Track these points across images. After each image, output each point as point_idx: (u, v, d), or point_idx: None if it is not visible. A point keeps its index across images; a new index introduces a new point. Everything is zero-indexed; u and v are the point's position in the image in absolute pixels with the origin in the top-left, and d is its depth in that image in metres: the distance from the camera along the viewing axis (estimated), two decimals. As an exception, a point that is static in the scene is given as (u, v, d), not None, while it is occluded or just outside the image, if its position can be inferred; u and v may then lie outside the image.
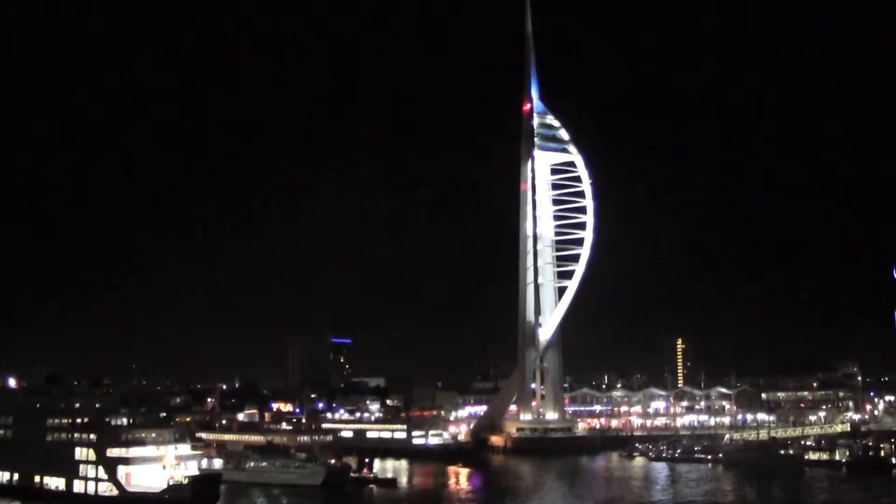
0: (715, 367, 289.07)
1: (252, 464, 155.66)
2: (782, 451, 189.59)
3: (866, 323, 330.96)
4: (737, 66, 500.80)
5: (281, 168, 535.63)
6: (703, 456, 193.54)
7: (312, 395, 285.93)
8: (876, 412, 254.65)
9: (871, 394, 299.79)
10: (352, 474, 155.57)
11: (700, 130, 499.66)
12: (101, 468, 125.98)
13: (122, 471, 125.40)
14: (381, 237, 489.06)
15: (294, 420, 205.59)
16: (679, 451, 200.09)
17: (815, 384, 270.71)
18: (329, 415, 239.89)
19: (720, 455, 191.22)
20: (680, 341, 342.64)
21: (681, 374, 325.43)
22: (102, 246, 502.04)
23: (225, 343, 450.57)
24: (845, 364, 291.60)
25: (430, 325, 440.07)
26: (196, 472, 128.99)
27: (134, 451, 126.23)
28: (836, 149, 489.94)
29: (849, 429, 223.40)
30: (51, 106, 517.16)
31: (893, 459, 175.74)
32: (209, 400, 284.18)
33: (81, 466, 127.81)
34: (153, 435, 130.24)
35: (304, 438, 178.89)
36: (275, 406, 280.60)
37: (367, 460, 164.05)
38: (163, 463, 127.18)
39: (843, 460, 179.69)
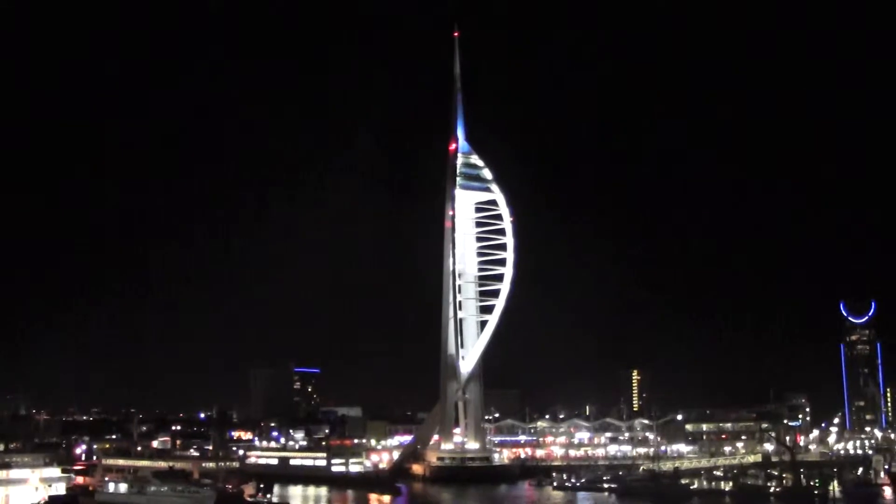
0: (673, 397, 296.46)
1: (153, 488, 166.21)
2: (684, 481, 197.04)
3: (819, 355, 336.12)
4: (655, 103, 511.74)
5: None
6: (605, 485, 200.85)
7: (272, 424, 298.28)
8: (802, 442, 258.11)
9: (823, 425, 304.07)
10: (248, 499, 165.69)
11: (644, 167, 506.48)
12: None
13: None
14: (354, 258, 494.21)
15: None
16: (583, 480, 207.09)
17: (753, 415, 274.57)
18: (258, 442, 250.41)
19: (615, 485, 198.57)
20: (636, 373, 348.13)
21: (636, 405, 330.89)
22: (69, 270, 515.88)
23: (207, 372, 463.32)
24: (793, 395, 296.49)
25: (409, 353, 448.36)
26: (62, 493, 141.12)
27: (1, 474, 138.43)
28: (784, 184, 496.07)
29: (760, 459, 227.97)
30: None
31: (772, 489, 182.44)
32: (173, 428, 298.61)
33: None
34: (26, 459, 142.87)
35: (210, 464, 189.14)
36: (235, 434, 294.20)
37: (261, 486, 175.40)
38: (32, 485, 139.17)
39: (727, 490, 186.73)
